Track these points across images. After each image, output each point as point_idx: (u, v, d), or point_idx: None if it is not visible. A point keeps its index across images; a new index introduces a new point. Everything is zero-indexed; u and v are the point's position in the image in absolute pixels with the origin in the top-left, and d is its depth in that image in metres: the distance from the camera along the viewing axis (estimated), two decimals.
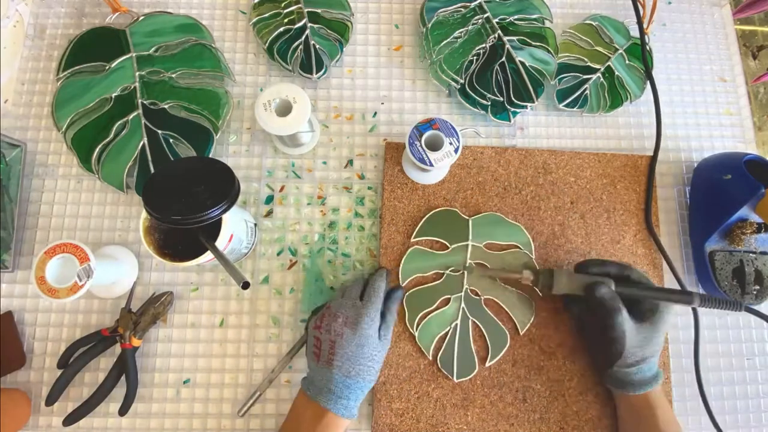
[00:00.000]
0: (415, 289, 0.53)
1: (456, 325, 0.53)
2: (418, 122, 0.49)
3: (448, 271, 0.54)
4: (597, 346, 0.50)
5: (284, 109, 0.49)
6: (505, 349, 0.52)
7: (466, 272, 0.53)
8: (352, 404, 0.44)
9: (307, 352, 0.48)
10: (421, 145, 0.48)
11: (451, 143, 0.48)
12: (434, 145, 0.49)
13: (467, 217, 0.55)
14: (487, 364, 0.52)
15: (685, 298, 0.45)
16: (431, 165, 0.48)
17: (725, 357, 0.55)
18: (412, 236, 0.54)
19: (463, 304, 0.53)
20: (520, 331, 0.53)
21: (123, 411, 0.49)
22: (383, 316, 0.48)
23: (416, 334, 0.52)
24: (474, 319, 0.53)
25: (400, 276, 0.53)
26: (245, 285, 0.39)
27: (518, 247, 0.55)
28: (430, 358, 0.52)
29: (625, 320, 0.45)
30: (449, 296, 0.53)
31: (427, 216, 0.55)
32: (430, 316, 0.53)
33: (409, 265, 0.54)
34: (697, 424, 0.53)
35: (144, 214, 0.44)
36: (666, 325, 0.47)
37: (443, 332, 0.52)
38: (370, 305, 0.46)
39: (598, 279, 0.47)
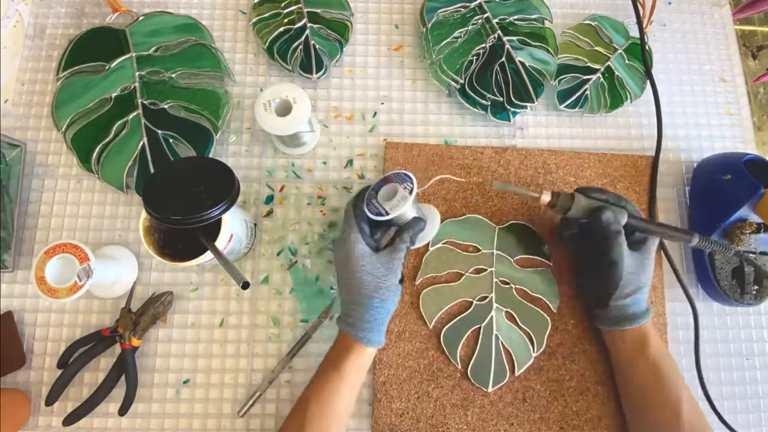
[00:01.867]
0: (445, 328, 0.53)
1: (495, 335, 0.53)
2: (370, 187, 0.48)
3: (475, 301, 0.53)
4: (593, 278, 0.50)
5: (284, 109, 0.49)
6: (548, 331, 0.53)
7: (494, 294, 0.53)
8: (358, 324, 0.45)
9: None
10: (377, 201, 0.46)
11: (405, 188, 0.46)
12: (390, 196, 0.46)
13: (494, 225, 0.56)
14: (535, 354, 0.52)
15: (685, 235, 0.47)
16: (388, 214, 0.45)
17: (725, 357, 0.55)
18: (416, 279, 0.54)
19: (495, 318, 0.53)
20: (553, 308, 0.54)
21: (123, 411, 0.49)
22: (393, 238, 0.47)
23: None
24: (508, 310, 0.53)
25: (423, 314, 0.53)
26: (245, 285, 0.39)
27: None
28: (460, 369, 0.52)
29: (623, 244, 0.46)
30: (479, 326, 0.53)
31: (425, 257, 0.54)
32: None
33: (431, 308, 0.53)
34: None
35: (144, 214, 0.44)
36: (653, 255, 0.48)
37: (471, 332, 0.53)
38: (351, 223, 0.46)
39: (605, 204, 0.47)
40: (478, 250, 0.55)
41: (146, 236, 0.44)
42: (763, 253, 0.54)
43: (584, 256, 0.52)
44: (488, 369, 0.52)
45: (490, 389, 0.51)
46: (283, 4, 0.60)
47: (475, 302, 0.53)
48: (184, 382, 0.52)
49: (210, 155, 0.55)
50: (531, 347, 0.53)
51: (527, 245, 0.55)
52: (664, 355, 0.47)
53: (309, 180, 0.57)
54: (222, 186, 0.42)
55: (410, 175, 0.47)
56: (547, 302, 0.54)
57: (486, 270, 0.54)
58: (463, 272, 0.54)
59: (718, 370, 0.55)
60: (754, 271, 0.53)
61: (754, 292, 0.53)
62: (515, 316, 0.53)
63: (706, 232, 0.54)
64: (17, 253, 0.54)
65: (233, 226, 0.46)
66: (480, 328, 0.53)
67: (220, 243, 0.43)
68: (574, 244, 0.53)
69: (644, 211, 0.57)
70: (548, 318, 0.53)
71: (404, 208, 0.46)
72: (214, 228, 0.43)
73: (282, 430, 0.44)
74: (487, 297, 0.54)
